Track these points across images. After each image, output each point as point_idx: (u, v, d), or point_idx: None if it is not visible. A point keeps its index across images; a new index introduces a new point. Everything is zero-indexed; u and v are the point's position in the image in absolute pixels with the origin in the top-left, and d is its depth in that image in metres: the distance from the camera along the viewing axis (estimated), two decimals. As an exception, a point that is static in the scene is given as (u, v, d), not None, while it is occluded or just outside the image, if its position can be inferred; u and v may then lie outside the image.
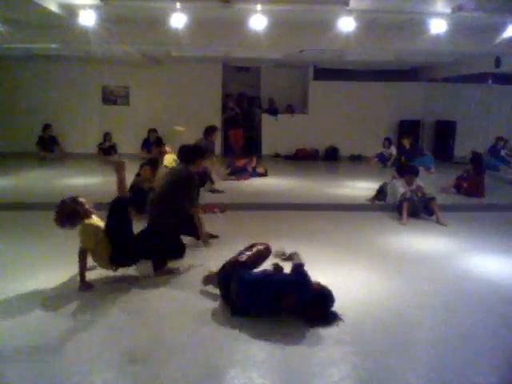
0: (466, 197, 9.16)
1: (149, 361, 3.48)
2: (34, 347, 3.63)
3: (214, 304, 4.41)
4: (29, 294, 4.61)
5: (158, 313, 4.26)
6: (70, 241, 6.32)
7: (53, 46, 10.18)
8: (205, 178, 8.63)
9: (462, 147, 13.62)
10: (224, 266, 4.45)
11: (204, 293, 4.65)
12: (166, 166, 8.67)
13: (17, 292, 4.64)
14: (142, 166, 7.97)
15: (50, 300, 4.48)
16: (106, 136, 14.27)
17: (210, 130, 10.00)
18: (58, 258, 5.61)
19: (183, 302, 4.49)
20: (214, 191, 9.12)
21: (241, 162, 11.23)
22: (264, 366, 3.47)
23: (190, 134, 12.49)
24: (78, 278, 4.72)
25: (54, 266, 5.37)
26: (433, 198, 7.86)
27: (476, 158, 9.63)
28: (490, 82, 13.67)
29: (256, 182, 10.44)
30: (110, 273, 4.99)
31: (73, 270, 5.23)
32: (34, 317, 4.14)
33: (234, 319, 4.10)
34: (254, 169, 11.16)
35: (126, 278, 4.99)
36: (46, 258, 5.63)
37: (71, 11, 7.71)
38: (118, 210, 4.85)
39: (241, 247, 5.68)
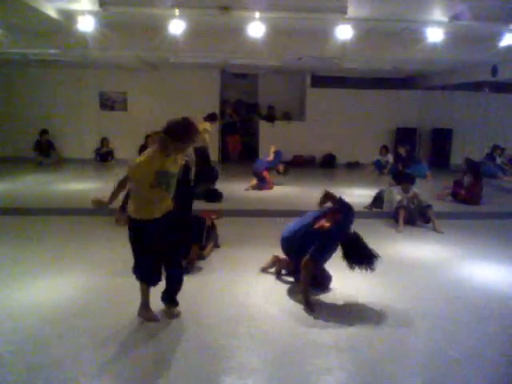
0: (462, 204, 9.18)
1: (141, 366, 3.48)
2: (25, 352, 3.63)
3: (209, 312, 4.41)
4: (23, 301, 4.60)
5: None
6: (68, 246, 6.35)
7: (51, 51, 10.17)
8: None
9: (459, 155, 13.65)
10: None
11: (202, 302, 4.66)
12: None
13: (11, 299, 4.63)
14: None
15: (46, 308, 4.47)
16: (104, 141, 14.28)
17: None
18: (55, 265, 5.61)
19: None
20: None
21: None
22: (260, 373, 3.46)
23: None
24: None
25: (50, 272, 5.36)
26: (429, 206, 7.88)
27: (475, 167, 9.63)
28: (486, 90, 13.74)
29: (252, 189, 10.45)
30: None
31: (70, 276, 5.24)
32: (28, 324, 4.13)
33: (230, 326, 4.11)
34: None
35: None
36: (43, 264, 5.61)
37: (70, 17, 7.70)
38: None
39: (240, 253, 5.74)
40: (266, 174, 10.58)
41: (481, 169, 10.03)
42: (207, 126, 10.22)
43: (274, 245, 6.42)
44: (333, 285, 5.19)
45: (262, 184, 10.48)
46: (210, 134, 10.40)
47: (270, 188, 10.48)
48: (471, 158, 10.59)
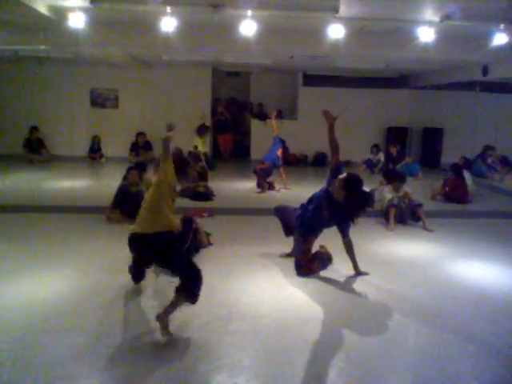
0: (452, 203, 9.22)
1: (131, 364, 3.47)
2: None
3: (201, 310, 4.40)
4: (13, 299, 4.57)
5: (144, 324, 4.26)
6: (59, 244, 6.32)
7: (41, 48, 10.12)
8: None
9: (450, 154, 13.72)
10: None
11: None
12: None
13: (1, 296, 4.60)
14: (129, 170, 7.93)
15: (36, 306, 4.45)
16: (95, 139, 14.22)
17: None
18: (46, 262, 5.58)
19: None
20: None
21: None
22: (251, 371, 3.46)
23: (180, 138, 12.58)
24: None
25: (41, 270, 5.33)
26: (420, 205, 7.91)
27: (455, 165, 9.76)
28: (477, 89, 13.80)
29: (243, 187, 10.43)
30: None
31: (60, 274, 5.22)
32: (18, 322, 4.11)
33: (221, 324, 4.11)
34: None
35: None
36: (34, 262, 5.58)
37: (60, 13, 7.66)
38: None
39: (232, 252, 5.74)
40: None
41: (461, 167, 10.10)
42: (196, 141, 11.01)
43: (266, 242, 6.47)
44: (322, 284, 5.21)
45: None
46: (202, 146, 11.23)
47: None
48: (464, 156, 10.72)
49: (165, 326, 3.83)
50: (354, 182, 5.20)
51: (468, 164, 11.64)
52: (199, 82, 14.71)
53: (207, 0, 6.96)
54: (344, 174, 5.26)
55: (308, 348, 3.80)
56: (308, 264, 5.46)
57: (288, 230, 6.02)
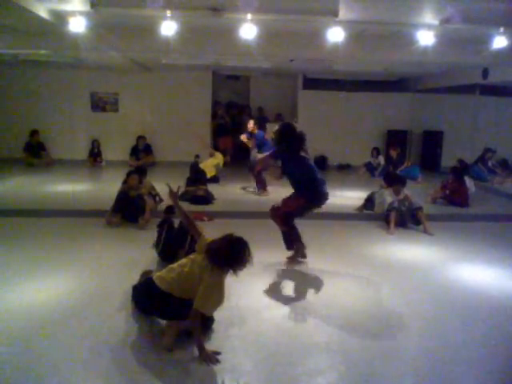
0: (452, 207, 9.21)
1: (131, 370, 3.47)
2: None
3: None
4: (13, 303, 4.57)
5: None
6: (59, 248, 6.31)
7: (42, 52, 10.13)
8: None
9: (450, 157, 13.71)
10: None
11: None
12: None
13: (0, 300, 4.60)
14: (129, 174, 7.93)
15: (35, 310, 4.44)
16: (95, 143, 14.24)
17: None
18: (45, 266, 5.57)
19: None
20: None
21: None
22: (252, 375, 3.46)
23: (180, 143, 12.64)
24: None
25: (41, 274, 5.33)
26: (420, 208, 7.90)
27: (456, 167, 9.81)
28: (477, 92, 13.80)
29: (244, 190, 10.43)
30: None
31: (60, 278, 5.21)
32: (17, 326, 4.10)
33: (222, 328, 4.10)
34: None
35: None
36: (34, 266, 5.57)
37: (61, 18, 7.67)
38: None
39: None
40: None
41: (462, 170, 10.09)
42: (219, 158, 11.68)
43: (266, 246, 6.46)
44: (323, 288, 5.21)
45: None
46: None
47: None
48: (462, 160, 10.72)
49: (171, 334, 3.83)
50: (286, 131, 5.60)
51: (466, 167, 11.64)
52: (199, 86, 14.71)
53: (207, 4, 6.97)
54: (275, 128, 5.65)
55: (308, 351, 3.80)
56: (280, 216, 5.90)
57: (289, 244, 6.06)
